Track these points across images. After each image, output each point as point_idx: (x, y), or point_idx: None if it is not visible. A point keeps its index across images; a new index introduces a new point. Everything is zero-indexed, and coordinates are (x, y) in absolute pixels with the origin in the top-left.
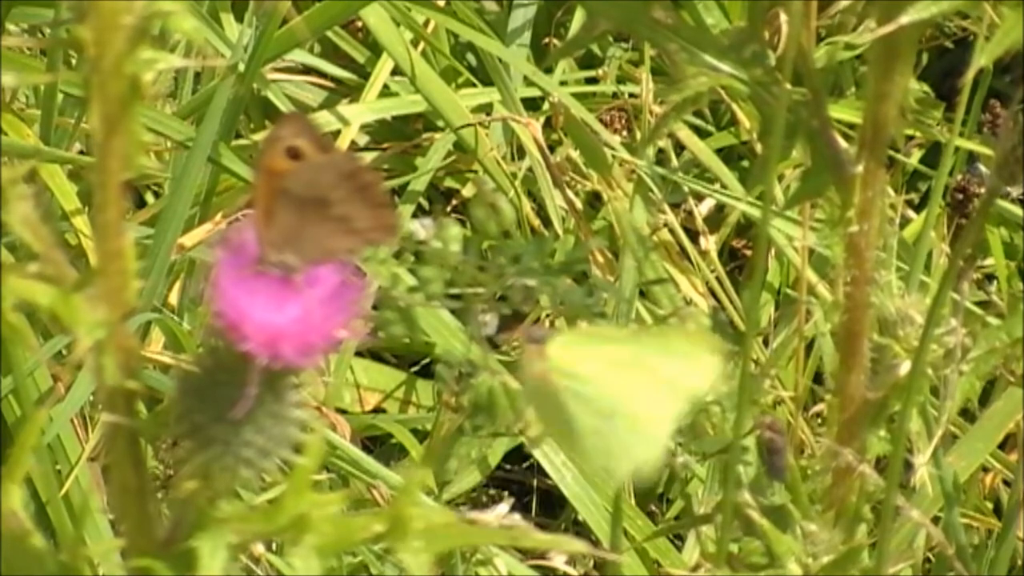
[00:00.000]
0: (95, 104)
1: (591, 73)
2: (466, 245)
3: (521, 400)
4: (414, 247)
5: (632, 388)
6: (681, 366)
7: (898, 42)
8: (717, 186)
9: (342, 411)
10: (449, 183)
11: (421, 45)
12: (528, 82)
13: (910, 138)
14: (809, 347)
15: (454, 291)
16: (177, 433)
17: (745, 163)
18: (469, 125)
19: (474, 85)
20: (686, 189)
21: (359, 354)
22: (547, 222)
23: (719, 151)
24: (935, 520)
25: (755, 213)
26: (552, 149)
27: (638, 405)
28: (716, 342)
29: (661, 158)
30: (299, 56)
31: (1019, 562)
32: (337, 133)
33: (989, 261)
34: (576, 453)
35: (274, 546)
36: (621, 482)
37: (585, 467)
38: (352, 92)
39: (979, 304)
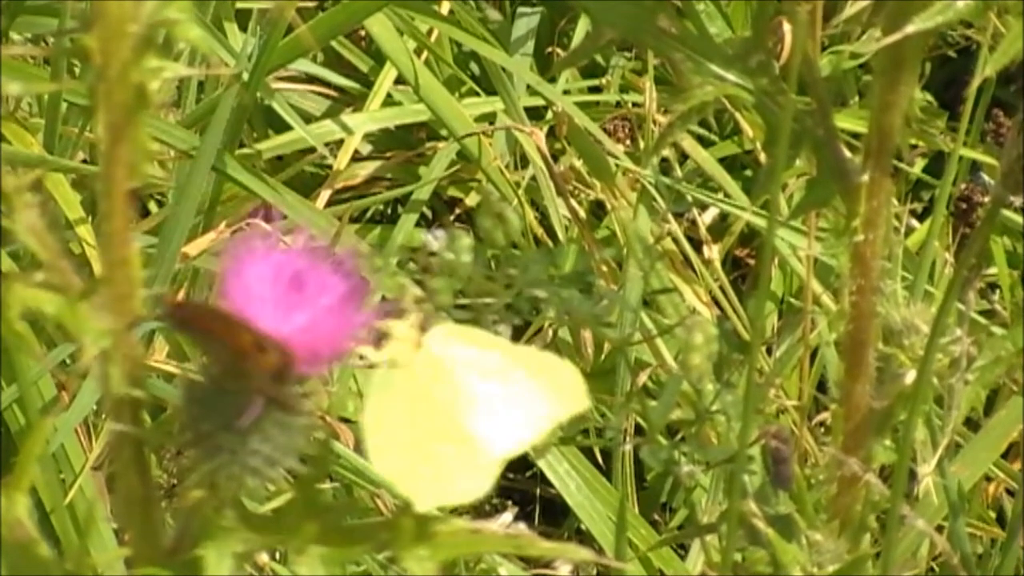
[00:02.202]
0: (101, 113)
1: (595, 82)
2: (473, 255)
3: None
4: (426, 258)
5: (489, 408)
6: (549, 389)
7: (904, 51)
8: (721, 195)
9: (345, 420)
10: (452, 192)
11: (424, 54)
12: (532, 91)
13: (913, 147)
14: (813, 356)
15: (462, 302)
16: (183, 442)
17: (748, 172)
18: (472, 134)
19: (477, 94)
20: (690, 198)
21: None
22: (551, 231)
23: (723, 160)
24: (939, 529)
25: (759, 222)
26: (556, 158)
27: (485, 430)
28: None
29: (665, 167)
30: (303, 65)
31: (1023, 571)
32: (340, 142)
33: (992, 270)
34: (392, 464)
35: (278, 555)
36: (433, 504)
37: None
38: (355, 101)
39: (983, 313)
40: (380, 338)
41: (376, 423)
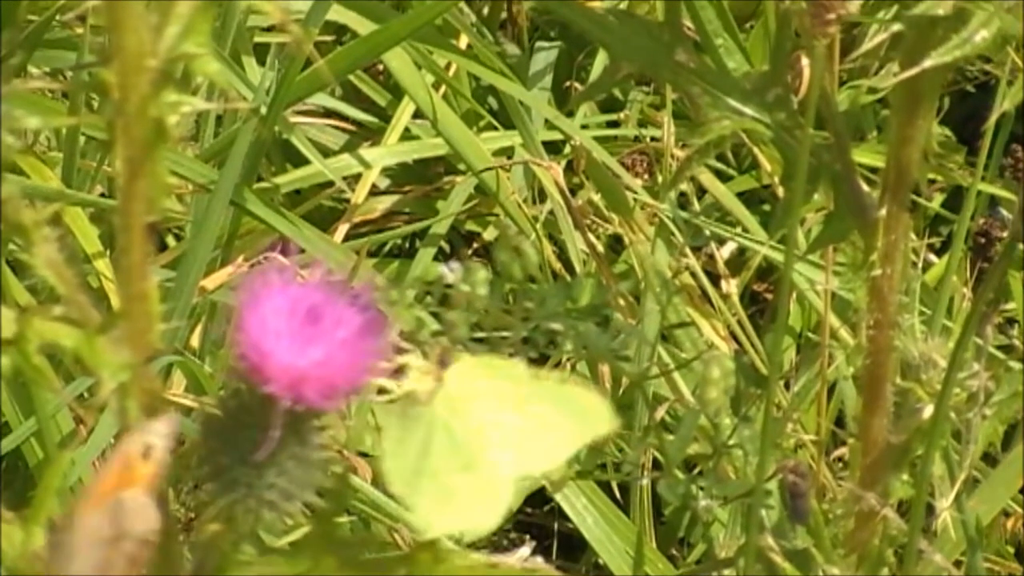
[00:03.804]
0: (119, 147)
1: (613, 117)
2: (490, 289)
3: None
4: (441, 291)
5: (506, 439)
6: (569, 418)
7: (921, 86)
8: (739, 230)
9: (363, 454)
10: (470, 226)
11: (442, 88)
12: (549, 125)
13: (932, 182)
14: (831, 391)
15: (479, 335)
16: (200, 476)
17: (766, 207)
18: (490, 168)
19: (495, 128)
20: (708, 233)
21: None
22: (568, 265)
23: (741, 195)
24: (957, 564)
25: (777, 257)
26: (573, 192)
27: (502, 460)
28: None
29: (683, 202)
30: (321, 99)
31: None
32: (358, 176)
33: (1010, 305)
34: (409, 490)
35: None
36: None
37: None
38: (373, 135)
39: (1001, 348)
40: (399, 372)
41: (395, 449)
